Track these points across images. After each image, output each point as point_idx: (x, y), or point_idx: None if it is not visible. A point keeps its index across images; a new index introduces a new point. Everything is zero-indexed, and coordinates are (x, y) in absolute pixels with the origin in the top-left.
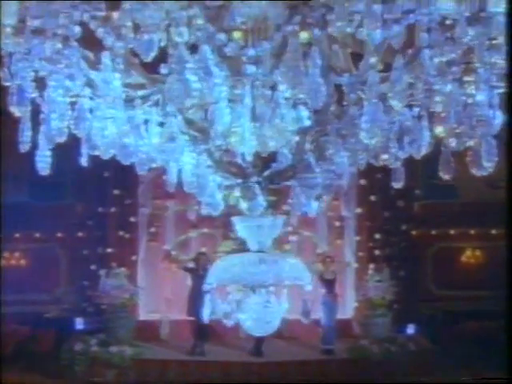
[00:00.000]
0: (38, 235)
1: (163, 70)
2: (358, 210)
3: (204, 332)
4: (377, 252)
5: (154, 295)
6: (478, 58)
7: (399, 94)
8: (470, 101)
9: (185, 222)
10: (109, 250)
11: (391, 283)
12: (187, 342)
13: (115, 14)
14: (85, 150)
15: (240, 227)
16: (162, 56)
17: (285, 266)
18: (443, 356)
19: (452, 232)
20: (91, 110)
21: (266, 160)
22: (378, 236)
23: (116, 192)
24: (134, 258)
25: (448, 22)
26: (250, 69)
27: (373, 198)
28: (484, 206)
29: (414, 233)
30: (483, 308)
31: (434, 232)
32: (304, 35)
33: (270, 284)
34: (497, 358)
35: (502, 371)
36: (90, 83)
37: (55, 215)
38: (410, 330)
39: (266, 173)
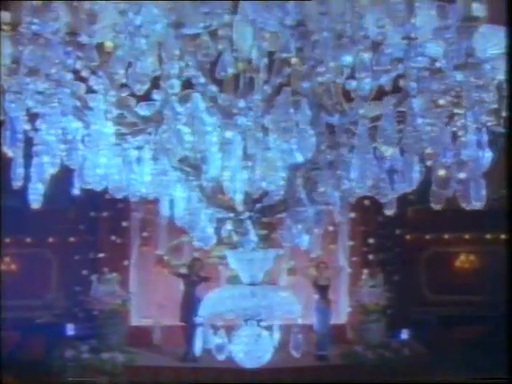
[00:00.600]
0: (29, 240)
1: (156, 95)
2: (352, 215)
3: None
4: (371, 257)
5: (146, 300)
6: (467, 102)
7: (389, 140)
8: (460, 133)
9: (177, 226)
10: (101, 255)
11: (385, 288)
12: (180, 347)
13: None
14: (77, 183)
15: (232, 260)
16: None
17: (276, 299)
18: (437, 361)
19: (446, 237)
20: (83, 141)
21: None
22: (371, 241)
23: (108, 196)
24: (126, 262)
25: (438, 64)
26: (241, 120)
27: (366, 202)
28: (478, 211)
29: (407, 237)
30: (478, 313)
31: (427, 237)
32: (294, 60)
33: (262, 318)
34: (491, 362)
35: (496, 375)
36: (82, 118)
37: (47, 220)
38: (404, 335)
39: (258, 206)
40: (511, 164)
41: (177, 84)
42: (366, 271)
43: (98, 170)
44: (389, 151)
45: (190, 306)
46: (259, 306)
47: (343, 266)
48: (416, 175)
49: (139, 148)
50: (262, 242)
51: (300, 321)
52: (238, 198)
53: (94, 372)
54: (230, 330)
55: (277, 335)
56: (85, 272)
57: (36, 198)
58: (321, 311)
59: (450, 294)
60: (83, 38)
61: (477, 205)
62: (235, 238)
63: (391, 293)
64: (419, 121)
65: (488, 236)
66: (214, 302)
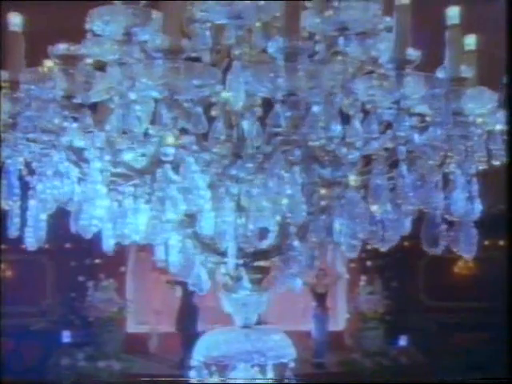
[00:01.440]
0: (24, 246)
1: (151, 131)
2: None
3: (193, 345)
4: (368, 263)
5: (142, 307)
6: (455, 163)
7: (379, 201)
8: (451, 177)
9: None
10: (97, 261)
11: (383, 295)
12: (177, 355)
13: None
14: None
15: (226, 303)
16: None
17: (269, 343)
18: (436, 368)
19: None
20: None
21: None
22: (369, 247)
23: None
24: (122, 268)
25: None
26: (233, 188)
27: None
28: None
29: (405, 244)
30: (477, 319)
31: None
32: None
33: (255, 363)
34: (489, 369)
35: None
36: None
37: None
38: (403, 341)
39: (250, 251)
40: (511, 172)
41: (171, 152)
42: (363, 278)
43: (93, 221)
44: (379, 210)
45: (187, 313)
46: (253, 350)
47: (341, 272)
48: (408, 225)
49: (135, 187)
50: (255, 286)
51: (293, 365)
52: (231, 252)
53: (90, 380)
54: (223, 371)
55: (270, 375)
56: (81, 278)
57: (32, 240)
58: (318, 318)
59: (449, 300)
60: (78, 100)
61: (467, 256)
62: (229, 282)
63: (389, 299)
64: (408, 180)
65: (486, 242)
66: (208, 345)
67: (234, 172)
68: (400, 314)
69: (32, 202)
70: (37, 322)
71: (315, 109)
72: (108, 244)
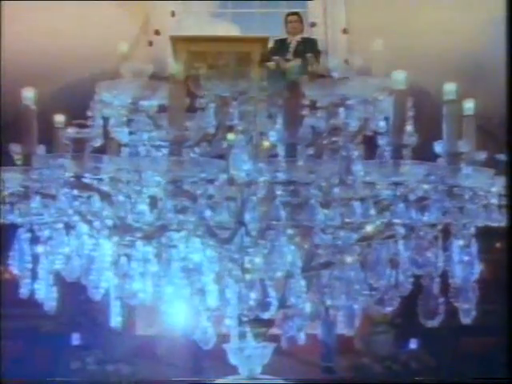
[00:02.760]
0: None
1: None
2: None
3: (202, 348)
4: None
5: (152, 309)
6: (454, 233)
7: (374, 276)
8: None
9: None
10: None
11: None
12: (186, 358)
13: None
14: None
15: (231, 355)
16: None
17: None
18: (445, 373)
19: None
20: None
21: None
22: None
23: None
24: None
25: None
26: (236, 272)
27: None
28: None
29: None
30: (485, 323)
31: None
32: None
33: None
34: (495, 373)
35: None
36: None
37: None
38: (413, 344)
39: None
40: (511, 176)
41: (176, 237)
42: None
43: (102, 283)
44: (377, 283)
45: None
46: None
47: None
48: (409, 287)
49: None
50: (259, 339)
51: None
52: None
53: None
54: None
55: None
56: None
57: (43, 293)
58: (326, 322)
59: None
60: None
61: (466, 321)
62: (233, 333)
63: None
64: (406, 257)
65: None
66: None
67: (236, 256)
68: (409, 317)
69: (42, 257)
70: (46, 324)
71: (313, 201)
72: (116, 320)
